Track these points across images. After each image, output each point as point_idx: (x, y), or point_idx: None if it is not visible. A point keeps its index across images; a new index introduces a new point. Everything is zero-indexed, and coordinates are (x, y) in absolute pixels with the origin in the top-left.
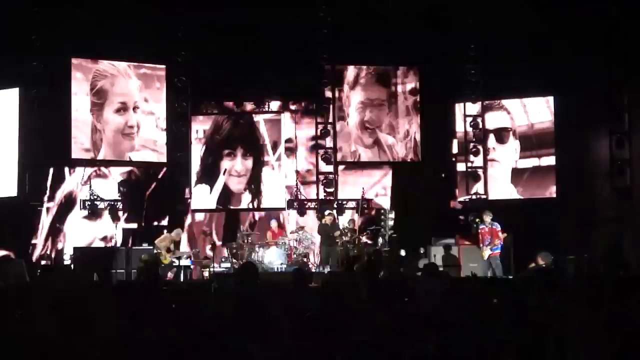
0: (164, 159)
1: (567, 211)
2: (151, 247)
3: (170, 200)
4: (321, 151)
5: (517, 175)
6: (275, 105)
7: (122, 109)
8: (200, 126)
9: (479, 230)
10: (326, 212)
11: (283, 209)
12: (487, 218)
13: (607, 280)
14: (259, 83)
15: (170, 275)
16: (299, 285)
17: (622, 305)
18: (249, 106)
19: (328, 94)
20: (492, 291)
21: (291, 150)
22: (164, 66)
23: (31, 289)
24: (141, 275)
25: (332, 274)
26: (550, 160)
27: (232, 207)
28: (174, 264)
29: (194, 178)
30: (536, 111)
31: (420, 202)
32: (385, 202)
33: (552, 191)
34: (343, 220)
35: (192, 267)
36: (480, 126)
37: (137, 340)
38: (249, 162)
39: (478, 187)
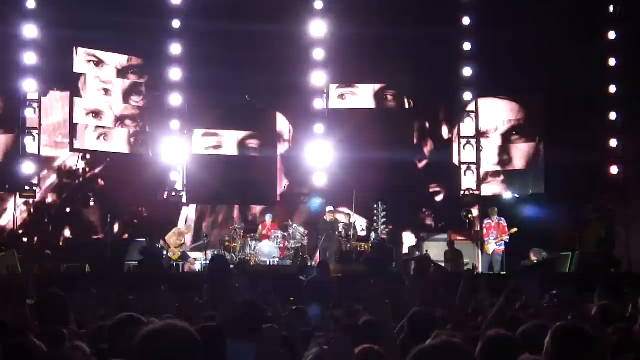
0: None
1: (556, 207)
2: (143, 240)
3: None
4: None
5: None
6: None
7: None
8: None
9: (484, 225)
10: (327, 209)
11: (275, 202)
12: (494, 213)
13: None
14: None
15: None
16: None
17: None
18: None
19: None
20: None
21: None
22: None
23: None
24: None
25: None
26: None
27: (225, 200)
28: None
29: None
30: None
31: (410, 198)
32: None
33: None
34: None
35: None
36: (474, 122)
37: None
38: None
39: (470, 183)
